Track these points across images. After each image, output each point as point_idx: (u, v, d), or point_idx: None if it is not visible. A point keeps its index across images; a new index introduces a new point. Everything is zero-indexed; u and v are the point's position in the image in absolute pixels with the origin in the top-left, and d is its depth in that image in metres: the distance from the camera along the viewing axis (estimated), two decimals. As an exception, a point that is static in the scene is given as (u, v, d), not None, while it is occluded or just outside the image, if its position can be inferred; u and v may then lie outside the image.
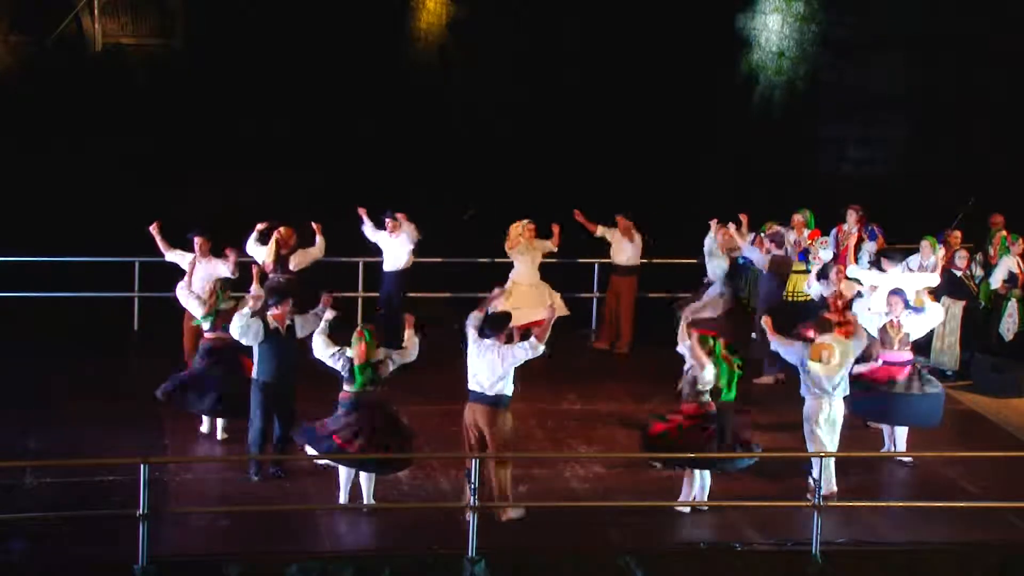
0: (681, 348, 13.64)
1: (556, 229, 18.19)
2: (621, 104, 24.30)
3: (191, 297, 15.10)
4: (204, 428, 15.10)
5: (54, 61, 23.44)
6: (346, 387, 13.27)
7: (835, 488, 13.81)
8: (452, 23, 25.03)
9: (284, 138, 23.19)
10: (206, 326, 14.97)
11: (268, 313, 13.84)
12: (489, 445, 12.98)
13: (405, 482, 13.97)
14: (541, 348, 12.98)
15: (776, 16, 25.45)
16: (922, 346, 17.89)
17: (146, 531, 11.90)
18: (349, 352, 13.25)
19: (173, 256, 16.48)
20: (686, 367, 13.59)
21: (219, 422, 14.97)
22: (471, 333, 13.16)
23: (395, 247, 17.89)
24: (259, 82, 23.43)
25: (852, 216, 18.85)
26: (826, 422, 13.77)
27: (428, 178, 22.94)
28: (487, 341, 13.04)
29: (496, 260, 19.30)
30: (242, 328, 13.70)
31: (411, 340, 13.57)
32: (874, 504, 13.78)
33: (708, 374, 13.35)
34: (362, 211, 17.94)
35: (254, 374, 13.88)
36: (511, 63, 24.62)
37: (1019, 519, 13.65)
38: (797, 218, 18.27)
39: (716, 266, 17.77)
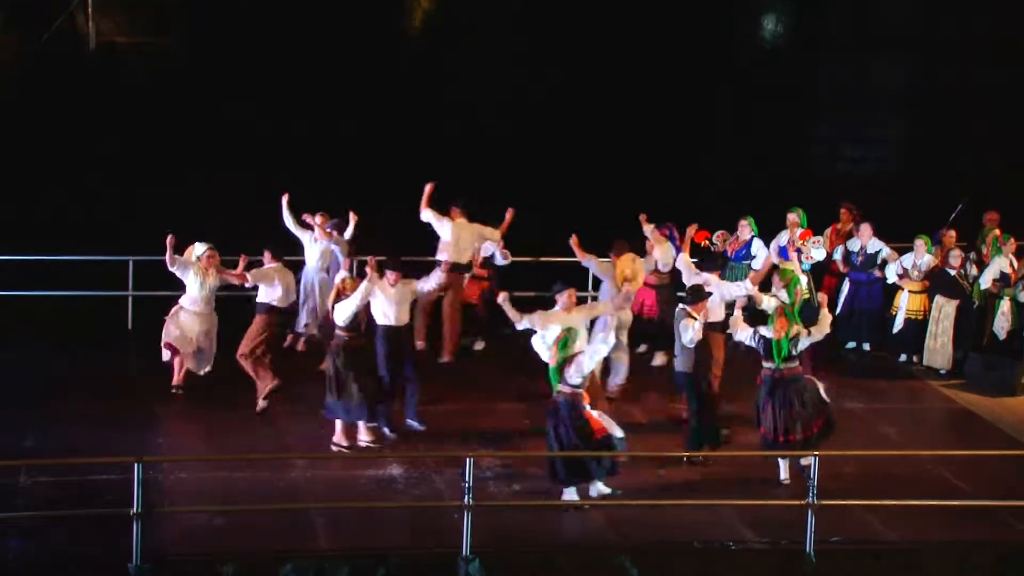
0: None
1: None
2: (620, 104, 24.28)
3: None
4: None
5: (48, 60, 23.41)
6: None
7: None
8: (451, 22, 25.06)
9: (282, 137, 23.16)
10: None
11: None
12: None
13: (400, 480, 13.99)
14: None
15: (774, 16, 25.46)
16: (916, 345, 17.99)
17: (141, 530, 11.93)
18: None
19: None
20: None
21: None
22: None
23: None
24: (256, 81, 23.39)
25: (844, 215, 18.86)
26: None
27: (427, 178, 22.93)
28: None
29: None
30: None
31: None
32: (868, 503, 13.77)
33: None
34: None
35: None
36: (511, 63, 24.62)
37: (1014, 517, 13.65)
38: (791, 217, 18.27)
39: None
